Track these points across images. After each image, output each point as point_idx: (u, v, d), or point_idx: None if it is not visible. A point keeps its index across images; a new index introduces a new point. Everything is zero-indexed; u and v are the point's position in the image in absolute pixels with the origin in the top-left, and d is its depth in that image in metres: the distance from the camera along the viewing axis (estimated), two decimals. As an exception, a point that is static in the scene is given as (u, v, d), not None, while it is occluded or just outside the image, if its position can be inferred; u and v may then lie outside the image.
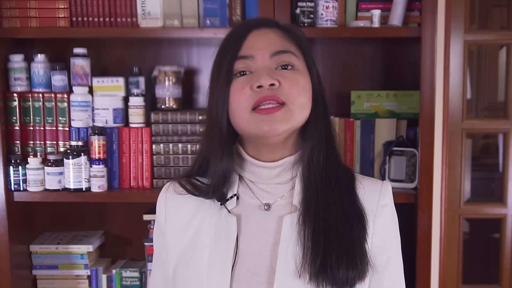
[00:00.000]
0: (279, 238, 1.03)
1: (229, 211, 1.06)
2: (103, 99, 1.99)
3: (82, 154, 1.94)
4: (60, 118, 2.00)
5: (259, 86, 0.99)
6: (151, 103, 2.06)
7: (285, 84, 1.00)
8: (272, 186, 1.08)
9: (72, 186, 1.94)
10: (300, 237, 1.01)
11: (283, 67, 1.02)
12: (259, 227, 1.05)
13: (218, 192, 1.06)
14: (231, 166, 1.06)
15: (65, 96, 1.99)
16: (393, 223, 1.10)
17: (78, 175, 1.94)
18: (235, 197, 1.07)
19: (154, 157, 2.00)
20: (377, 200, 1.07)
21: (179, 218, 1.10)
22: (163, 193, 1.15)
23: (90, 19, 1.94)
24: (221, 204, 1.07)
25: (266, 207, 1.07)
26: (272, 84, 0.99)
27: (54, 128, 2.01)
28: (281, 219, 1.05)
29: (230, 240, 1.04)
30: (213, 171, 1.06)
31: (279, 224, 1.04)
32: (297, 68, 1.03)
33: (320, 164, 1.05)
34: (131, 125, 2.00)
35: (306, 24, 1.92)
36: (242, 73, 1.02)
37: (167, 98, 2.03)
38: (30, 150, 2.02)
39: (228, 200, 1.07)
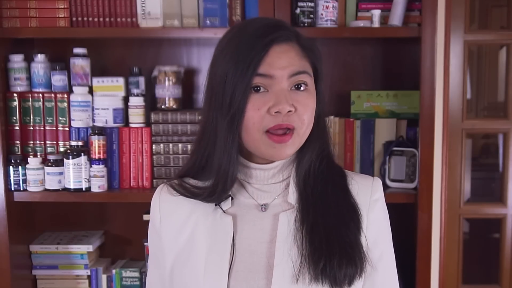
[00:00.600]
0: (275, 236, 1.04)
1: (224, 211, 1.07)
2: (103, 99, 1.99)
3: (82, 154, 1.94)
4: (60, 118, 2.00)
5: (277, 112, 1.00)
6: (151, 103, 2.06)
7: (300, 110, 1.02)
8: (267, 186, 1.09)
9: (72, 186, 1.94)
10: (297, 235, 1.03)
11: (297, 86, 1.03)
12: (255, 225, 1.06)
13: (217, 195, 1.06)
14: (237, 171, 1.06)
15: (65, 96, 1.99)
16: (385, 218, 1.12)
17: (78, 175, 1.94)
18: (230, 197, 1.08)
19: (154, 157, 2.01)
20: (369, 195, 1.09)
21: (174, 219, 1.10)
22: (157, 194, 1.15)
23: (90, 19, 1.94)
24: (216, 205, 1.07)
25: (263, 209, 1.08)
26: (289, 111, 1.00)
27: (54, 128, 2.01)
28: (276, 216, 1.06)
29: (227, 239, 1.04)
30: (215, 173, 1.05)
31: (275, 222, 1.05)
32: (309, 88, 1.04)
33: (315, 167, 1.08)
34: (131, 125, 2.00)
35: (306, 24, 1.92)
36: (256, 88, 1.01)
37: (167, 98, 2.03)
38: (30, 150, 2.02)
39: (222, 201, 1.07)
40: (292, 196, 1.07)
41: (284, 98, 1.00)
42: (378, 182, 1.12)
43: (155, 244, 1.14)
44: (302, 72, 1.03)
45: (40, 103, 2.00)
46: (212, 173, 1.06)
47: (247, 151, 1.08)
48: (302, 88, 1.03)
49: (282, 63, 1.01)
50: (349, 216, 1.05)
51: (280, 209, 1.07)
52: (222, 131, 1.02)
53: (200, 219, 1.08)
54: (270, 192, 1.08)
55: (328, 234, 1.02)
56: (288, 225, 1.04)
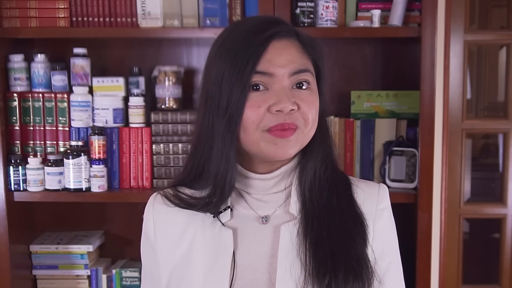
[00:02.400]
0: (276, 249, 0.99)
1: (223, 224, 1.01)
2: (103, 99, 1.99)
3: (82, 154, 1.94)
4: (60, 118, 2.00)
5: (278, 110, 0.94)
6: (151, 103, 2.06)
7: (304, 108, 0.96)
8: (268, 196, 1.03)
9: (72, 186, 1.94)
10: (300, 249, 0.97)
11: (298, 85, 0.97)
12: (255, 238, 1.01)
13: (214, 204, 1.00)
14: (235, 177, 1.00)
15: (65, 96, 1.99)
16: (392, 227, 1.07)
17: (78, 175, 1.94)
18: (229, 209, 1.02)
19: (154, 157, 2.00)
20: (376, 204, 1.04)
21: (170, 232, 1.05)
22: (150, 205, 1.09)
23: (90, 19, 1.94)
24: (214, 217, 1.01)
25: (264, 221, 1.02)
26: (291, 109, 0.95)
27: (54, 128, 2.01)
28: (277, 228, 1.00)
29: (227, 255, 0.99)
30: (213, 181, 0.99)
31: (276, 234, 1.00)
32: (311, 87, 0.99)
33: (320, 174, 1.02)
34: (131, 125, 2.00)
35: (306, 24, 1.92)
36: (256, 87, 0.95)
37: (167, 98, 2.03)
38: (30, 150, 2.02)
39: (221, 212, 1.01)
40: (294, 206, 1.01)
41: (285, 96, 0.94)
42: (384, 190, 1.07)
43: (149, 258, 1.09)
44: (304, 71, 0.97)
45: (40, 103, 2.00)
46: (209, 181, 1.00)
47: (246, 161, 1.02)
48: (304, 87, 0.97)
49: (282, 61, 0.95)
50: (355, 228, 0.99)
51: (281, 221, 1.01)
52: (219, 133, 0.96)
53: (198, 232, 1.02)
54: (271, 202, 1.02)
55: (333, 248, 0.96)
56: (290, 238, 0.98)
